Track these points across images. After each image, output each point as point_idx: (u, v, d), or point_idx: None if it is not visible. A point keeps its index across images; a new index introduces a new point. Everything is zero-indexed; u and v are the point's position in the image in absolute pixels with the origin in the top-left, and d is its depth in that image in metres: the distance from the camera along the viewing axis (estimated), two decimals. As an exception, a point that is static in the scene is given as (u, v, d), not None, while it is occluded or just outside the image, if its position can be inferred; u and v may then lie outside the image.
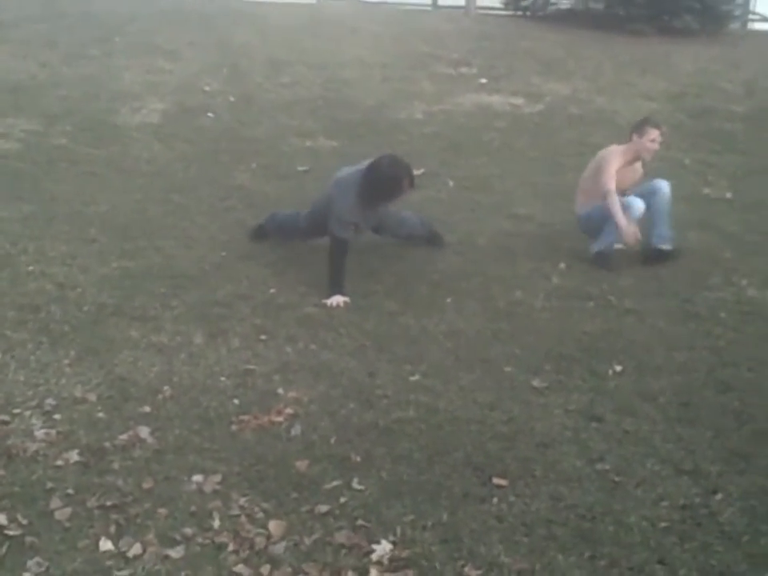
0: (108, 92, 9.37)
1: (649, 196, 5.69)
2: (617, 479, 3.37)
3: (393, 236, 5.76)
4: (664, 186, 5.76)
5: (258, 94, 9.86)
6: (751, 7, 17.59)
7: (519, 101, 10.22)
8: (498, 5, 16.04)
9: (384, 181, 4.97)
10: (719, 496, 3.28)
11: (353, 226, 5.14)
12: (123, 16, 12.76)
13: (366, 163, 5.10)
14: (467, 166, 7.96)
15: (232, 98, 9.56)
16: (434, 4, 16.96)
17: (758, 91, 11.01)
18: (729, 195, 7.46)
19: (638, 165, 5.91)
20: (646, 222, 5.76)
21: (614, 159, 5.70)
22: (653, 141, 5.70)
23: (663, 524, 3.11)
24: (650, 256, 5.76)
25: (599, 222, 5.73)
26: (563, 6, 15.42)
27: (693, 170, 8.16)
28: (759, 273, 5.67)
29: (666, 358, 4.47)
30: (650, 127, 5.75)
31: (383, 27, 13.38)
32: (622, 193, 5.73)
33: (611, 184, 5.61)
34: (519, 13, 15.61)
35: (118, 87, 9.58)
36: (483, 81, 10.97)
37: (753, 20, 17.45)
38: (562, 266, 5.67)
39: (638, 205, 5.60)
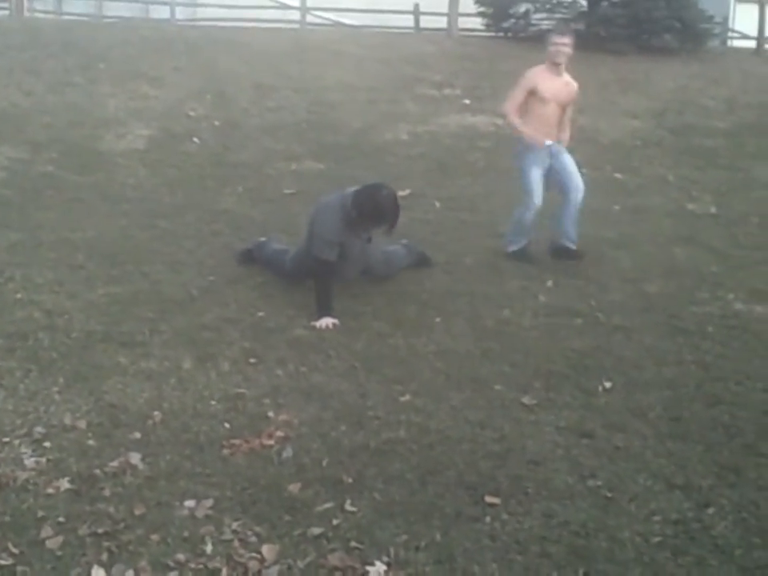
0: (93, 119, 9.41)
1: (566, 191, 6.02)
2: (609, 495, 3.37)
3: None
4: (580, 188, 6.03)
5: (243, 118, 9.91)
6: (730, 25, 17.83)
7: (503, 121, 10.27)
8: (479, 26, 16.19)
9: (369, 208, 4.96)
10: (711, 510, 3.28)
11: (336, 246, 5.10)
12: (106, 43, 12.81)
13: (349, 190, 5.11)
14: (453, 186, 8.01)
15: (217, 123, 9.61)
16: (417, 26, 17.09)
17: (739, 107, 11.13)
18: (713, 210, 7.53)
19: (567, 78, 6.13)
20: (554, 218, 6.15)
21: (522, 81, 6.04)
22: (553, 43, 6.03)
23: (656, 539, 3.11)
24: (557, 252, 6.16)
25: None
26: (544, 27, 15.55)
27: (676, 186, 8.23)
28: (745, 287, 5.71)
29: (654, 373, 4.48)
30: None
31: (367, 50, 13.47)
32: (562, 107, 6.06)
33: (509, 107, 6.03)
34: (501, 34, 15.74)
35: (102, 114, 9.61)
36: (467, 101, 11.05)
37: (732, 38, 17.68)
38: (549, 283, 5.70)
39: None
